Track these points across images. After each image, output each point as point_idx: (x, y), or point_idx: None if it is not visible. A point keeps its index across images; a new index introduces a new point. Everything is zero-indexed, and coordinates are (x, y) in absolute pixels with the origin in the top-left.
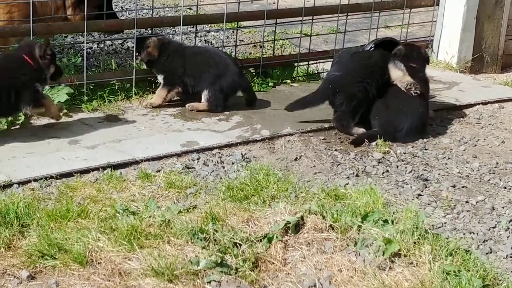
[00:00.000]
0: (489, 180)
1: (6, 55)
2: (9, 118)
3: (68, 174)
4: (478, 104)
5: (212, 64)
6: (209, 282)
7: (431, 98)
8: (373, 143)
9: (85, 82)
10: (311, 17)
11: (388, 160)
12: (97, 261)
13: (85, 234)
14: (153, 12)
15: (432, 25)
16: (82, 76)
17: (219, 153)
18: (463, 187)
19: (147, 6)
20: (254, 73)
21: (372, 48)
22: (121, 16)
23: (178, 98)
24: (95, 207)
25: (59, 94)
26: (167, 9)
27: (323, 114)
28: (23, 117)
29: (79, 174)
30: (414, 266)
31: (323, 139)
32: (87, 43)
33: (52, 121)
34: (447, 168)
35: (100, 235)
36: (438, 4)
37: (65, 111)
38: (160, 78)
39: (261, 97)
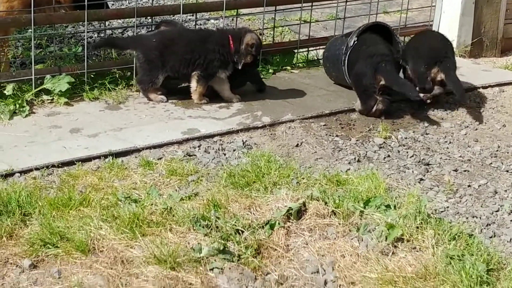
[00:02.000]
0: (491, 163)
1: None
2: (11, 107)
3: (70, 163)
4: (479, 88)
5: None
6: (211, 270)
7: None
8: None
9: (86, 71)
10: (310, 4)
11: (389, 145)
12: (99, 249)
13: (87, 222)
14: (153, 0)
15: (431, 10)
16: (83, 65)
17: (220, 140)
18: (465, 171)
19: None
20: None
21: (355, 41)
22: (121, 5)
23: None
24: (97, 195)
25: (60, 83)
26: None
27: (323, 100)
28: (27, 107)
29: (80, 162)
30: (417, 251)
31: (324, 125)
32: (87, 32)
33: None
34: (449, 152)
35: (102, 223)
36: None
37: (66, 100)
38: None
39: None
